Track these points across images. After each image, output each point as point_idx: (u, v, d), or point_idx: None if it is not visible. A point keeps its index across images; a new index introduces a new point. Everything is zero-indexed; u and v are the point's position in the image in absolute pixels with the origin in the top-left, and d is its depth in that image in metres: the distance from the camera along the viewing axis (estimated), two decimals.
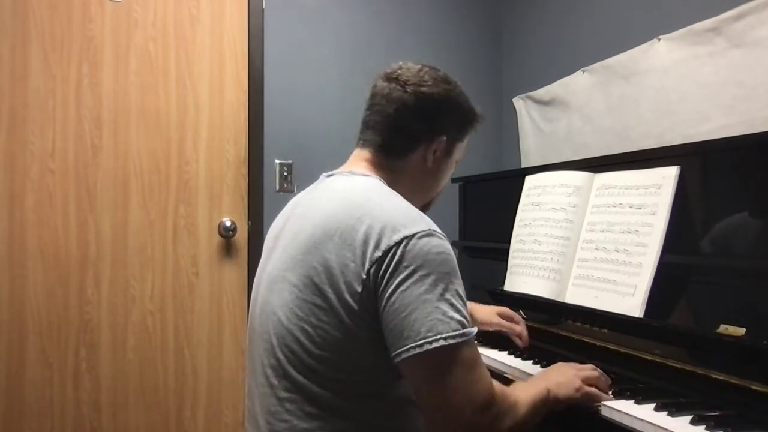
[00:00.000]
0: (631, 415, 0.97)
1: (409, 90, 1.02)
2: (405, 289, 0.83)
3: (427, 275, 0.84)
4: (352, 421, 0.90)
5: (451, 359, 0.83)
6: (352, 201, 0.93)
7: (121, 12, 2.08)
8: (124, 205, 2.08)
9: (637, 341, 1.18)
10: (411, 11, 2.54)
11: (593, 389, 1.04)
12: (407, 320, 0.83)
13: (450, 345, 0.82)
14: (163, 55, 2.13)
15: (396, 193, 0.98)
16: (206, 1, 2.19)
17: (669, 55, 1.76)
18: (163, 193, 2.13)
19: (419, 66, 1.07)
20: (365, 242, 0.86)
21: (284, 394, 0.92)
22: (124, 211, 2.08)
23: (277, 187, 2.30)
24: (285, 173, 2.31)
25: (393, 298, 0.84)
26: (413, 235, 0.85)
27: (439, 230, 0.90)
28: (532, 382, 1.05)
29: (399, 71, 1.05)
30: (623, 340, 1.21)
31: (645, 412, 0.98)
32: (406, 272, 0.84)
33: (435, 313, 0.83)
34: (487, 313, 1.45)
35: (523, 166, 2.47)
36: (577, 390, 1.02)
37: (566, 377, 1.04)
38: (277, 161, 2.30)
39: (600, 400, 1.04)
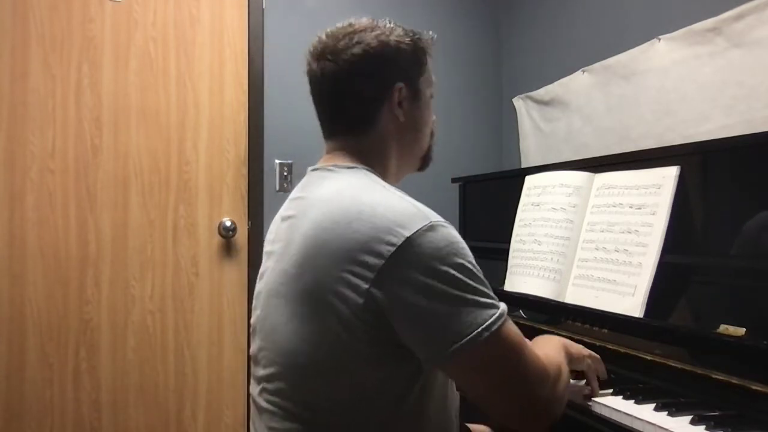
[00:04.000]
0: (631, 415, 0.98)
1: (342, 58, 0.94)
2: (428, 292, 0.77)
3: (444, 271, 0.77)
4: None
5: (500, 344, 0.79)
6: (340, 206, 0.84)
7: (121, 12, 2.08)
8: (124, 205, 2.08)
9: (637, 341, 1.18)
10: (411, 11, 2.53)
11: (597, 356, 1.10)
12: (441, 322, 0.77)
13: (494, 332, 0.77)
14: (163, 55, 2.13)
15: (387, 185, 0.90)
16: (206, 1, 2.19)
17: (669, 55, 1.76)
18: (163, 193, 2.13)
19: (335, 29, 0.99)
20: (363, 250, 0.78)
21: (286, 423, 0.86)
22: (124, 211, 2.08)
23: (277, 187, 2.30)
24: (285, 173, 2.31)
25: (417, 304, 0.77)
26: (415, 234, 0.78)
27: (439, 218, 0.82)
28: (547, 341, 1.03)
29: (322, 45, 0.98)
30: (623, 340, 1.21)
31: (645, 412, 0.98)
32: (422, 274, 0.77)
33: (468, 306, 0.77)
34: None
35: (523, 166, 2.47)
36: (582, 350, 1.07)
37: (573, 343, 1.08)
38: (277, 161, 2.30)
39: (601, 373, 1.10)
